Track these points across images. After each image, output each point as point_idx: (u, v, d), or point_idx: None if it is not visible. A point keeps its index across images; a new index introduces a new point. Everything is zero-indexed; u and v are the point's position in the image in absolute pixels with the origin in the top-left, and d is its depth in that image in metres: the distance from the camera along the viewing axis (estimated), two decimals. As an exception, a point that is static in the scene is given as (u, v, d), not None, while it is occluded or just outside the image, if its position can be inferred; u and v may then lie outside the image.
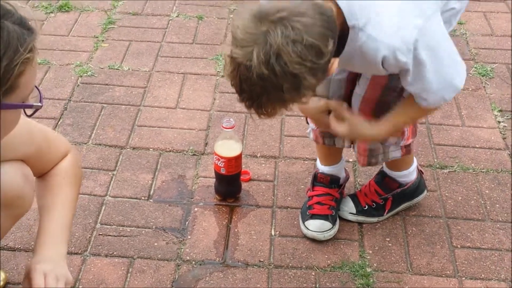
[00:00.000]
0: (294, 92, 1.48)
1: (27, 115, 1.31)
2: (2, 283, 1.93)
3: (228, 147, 2.21)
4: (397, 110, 1.85)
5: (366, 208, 2.20)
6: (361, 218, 2.20)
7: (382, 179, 2.20)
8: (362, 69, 1.81)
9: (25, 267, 1.53)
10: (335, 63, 1.56)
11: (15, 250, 2.06)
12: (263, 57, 1.41)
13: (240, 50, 1.43)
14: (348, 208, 2.21)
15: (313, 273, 2.04)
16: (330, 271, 2.04)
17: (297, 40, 1.41)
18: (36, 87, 1.28)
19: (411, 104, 1.80)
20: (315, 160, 2.45)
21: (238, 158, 2.22)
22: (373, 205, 2.20)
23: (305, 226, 2.14)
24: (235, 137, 2.23)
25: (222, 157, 2.20)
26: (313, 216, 2.15)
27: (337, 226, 2.16)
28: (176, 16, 3.40)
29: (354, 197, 2.23)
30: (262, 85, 1.45)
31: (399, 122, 1.88)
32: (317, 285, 2.00)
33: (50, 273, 1.49)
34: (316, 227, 2.13)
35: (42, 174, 1.66)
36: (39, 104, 1.29)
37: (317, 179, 2.21)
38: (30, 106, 1.28)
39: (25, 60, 1.17)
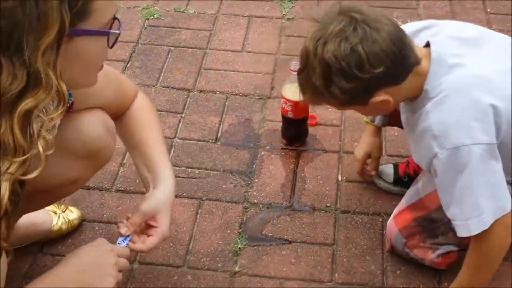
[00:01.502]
0: (325, 81, 1.50)
1: (109, 46, 1.27)
2: (77, 221, 2.01)
3: (296, 91, 2.14)
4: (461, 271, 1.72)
5: (405, 180, 2.11)
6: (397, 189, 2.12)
7: None
8: (411, 138, 1.71)
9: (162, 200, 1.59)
10: (387, 99, 1.53)
11: (89, 189, 2.13)
12: (316, 34, 1.50)
13: (310, 24, 1.52)
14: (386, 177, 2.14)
15: (380, 219, 2.05)
16: (397, 217, 2.04)
17: (349, 40, 1.45)
18: (115, 16, 1.24)
19: (471, 258, 1.68)
20: (383, 105, 2.43)
21: (305, 102, 2.21)
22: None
23: (379, 171, 2.13)
24: (303, 81, 2.22)
25: (289, 101, 2.20)
26: (390, 167, 2.13)
27: (395, 189, 2.11)
28: (239, -43, 3.35)
29: (395, 166, 2.14)
30: (305, 60, 1.54)
31: (468, 282, 1.70)
32: (384, 231, 2.01)
33: None
34: (386, 175, 2.12)
35: (119, 114, 1.68)
36: (117, 31, 1.25)
37: None
38: (106, 33, 1.23)
39: None
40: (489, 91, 1.53)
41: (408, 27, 1.68)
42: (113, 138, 1.64)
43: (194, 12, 2.96)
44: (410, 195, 1.86)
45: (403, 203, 1.87)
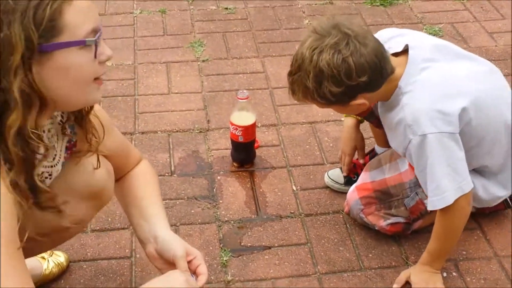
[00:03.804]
0: (316, 84, 1.77)
1: (102, 60, 1.33)
2: (66, 262, 2.06)
3: (244, 117, 2.41)
4: (430, 241, 1.98)
5: (354, 179, 2.36)
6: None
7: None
8: (390, 130, 1.98)
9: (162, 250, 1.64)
10: (364, 102, 1.81)
11: (65, 234, 2.18)
12: (313, 44, 1.76)
13: (309, 33, 1.80)
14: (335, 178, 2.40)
15: (341, 216, 2.29)
16: (354, 212, 2.29)
17: (341, 53, 1.73)
18: (97, 28, 1.29)
19: (438, 226, 1.93)
20: (312, 123, 2.71)
21: (253, 126, 2.43)
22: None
23: (330, 175, 2.40)
24: (249, 107, 2.44)
25: (240, 126, 2.40)
26: (338, 170, 2.41)
27: (346, 189, 2.32)
28: (140, 13, 3.55)
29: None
30: (299, 64, 1.79)
31: (438, 248, 1.96)
32: (347, 225, 2.25)
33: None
34: (337, 177, 2.39)
35: (120, 175, 1.76)
36: (92, 39, 1.27)
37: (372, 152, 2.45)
38: (79, 43, 1.26)
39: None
40: (453, 89, 1.85)
41: (384, 33, 2.00)
42: (113, 180, 1.73)
43: (112, 64, 3.10)
44: (375, 173, 2.14)
45: (366, 177, 2.15)
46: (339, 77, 1.74)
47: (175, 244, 1.62)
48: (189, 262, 1.62)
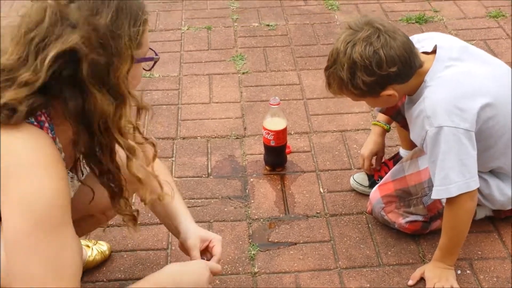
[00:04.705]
0: (350, 75, 1.94)
1: (147, 70, 1.57)
2: (108, 251, 2.27)
3: (275, 122, 2.59)
4: (441, 237, 2.10)
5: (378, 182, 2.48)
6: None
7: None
8: (411, 122, 2.10)
9: (193, 239, 1.85)
10: (394, 94, 1.97)
11: (108, 227, 2.39)
12: (347, 38, 1.95)
13: (343, 29, 1.98)
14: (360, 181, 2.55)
15: (364, 217, 2.44)
16: (377, 213, 2.43)
17: (373, 45, 1.90)
18: (150, 48, 1.53)
19: (445, 221, 2.07)
20: (342, 131, 2.87)
21: (284, 131, 2.61)
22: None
23: (355, 179, 2.56)
24: (281, 112, 2.62)
25: (271, 131, 2.58)
26: (363, 173, 2.55)
27: (370, 191, 2.44)
28: (187, 29, 3.79)
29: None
30: (335, 58, 1.97)
31: (447, 243, 2.08)
32: (369, 225, 2.40)
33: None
34: (362, 180, 2.54)
35: None
36: (157, 56, 1.56)
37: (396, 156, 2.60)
38: (151, 59, 1.54)
39: (144, 20, 1.47)
40: (474, 88, 1.98)
41: (417, 36, 2.16)
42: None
43: (159, 76, 3.33)
44: (396, 172, 2.29)
45: (388, 177, 2.30)
46: (370, 67, 1.90)
47: (189, 235, 1.84)
48: (207, 247, 1.83)
